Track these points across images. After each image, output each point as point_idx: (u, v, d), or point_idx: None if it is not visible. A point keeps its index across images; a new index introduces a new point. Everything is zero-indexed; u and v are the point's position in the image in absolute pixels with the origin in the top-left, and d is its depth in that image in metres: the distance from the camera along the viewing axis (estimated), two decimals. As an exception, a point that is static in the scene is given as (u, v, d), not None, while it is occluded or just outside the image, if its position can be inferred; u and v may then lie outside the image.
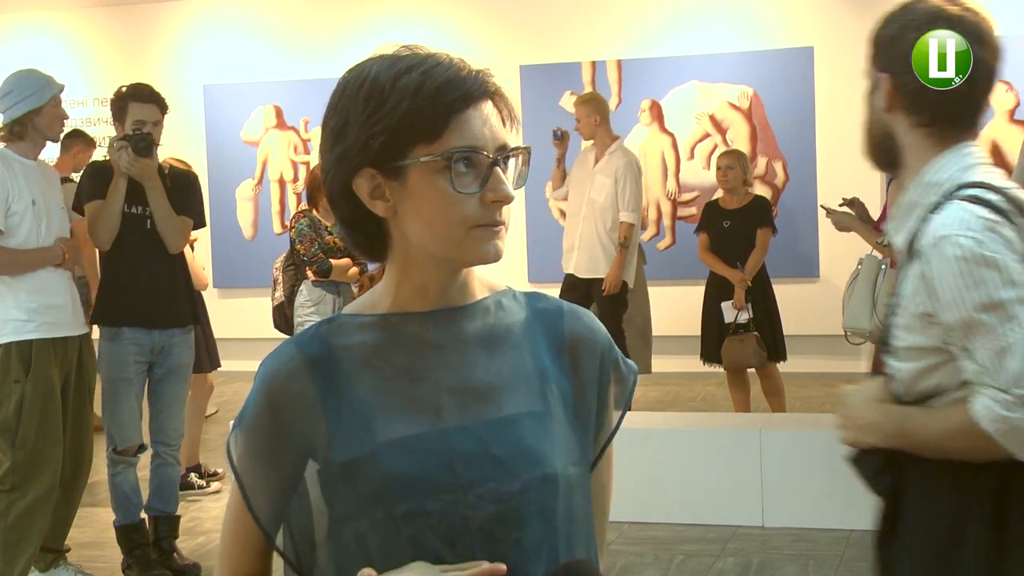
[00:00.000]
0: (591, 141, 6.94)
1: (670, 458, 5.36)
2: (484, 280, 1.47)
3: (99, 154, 7.26)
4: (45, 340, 4.42)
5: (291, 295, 6.01)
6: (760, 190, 7.96)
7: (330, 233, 5.85)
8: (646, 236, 8.69)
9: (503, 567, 1.29)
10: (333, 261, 5.85)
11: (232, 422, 1.45)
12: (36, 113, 4.45)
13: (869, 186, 7.11)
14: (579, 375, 1.45)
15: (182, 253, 4.86)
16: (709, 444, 5.40)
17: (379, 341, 1.40)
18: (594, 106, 6.92)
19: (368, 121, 1.34)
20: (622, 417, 1.50)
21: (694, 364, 7.16)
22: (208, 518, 5.70)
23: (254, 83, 9.86)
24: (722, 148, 8.40)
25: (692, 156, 9.03)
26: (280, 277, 6.10)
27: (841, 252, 7.65)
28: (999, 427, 1.79)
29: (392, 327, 1.40)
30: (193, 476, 6.11)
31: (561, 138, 7.09)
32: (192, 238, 5.24)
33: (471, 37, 9.06)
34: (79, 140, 7.08)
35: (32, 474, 4.37)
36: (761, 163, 8.80)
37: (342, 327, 1.41)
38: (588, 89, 8.79)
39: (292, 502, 1.36)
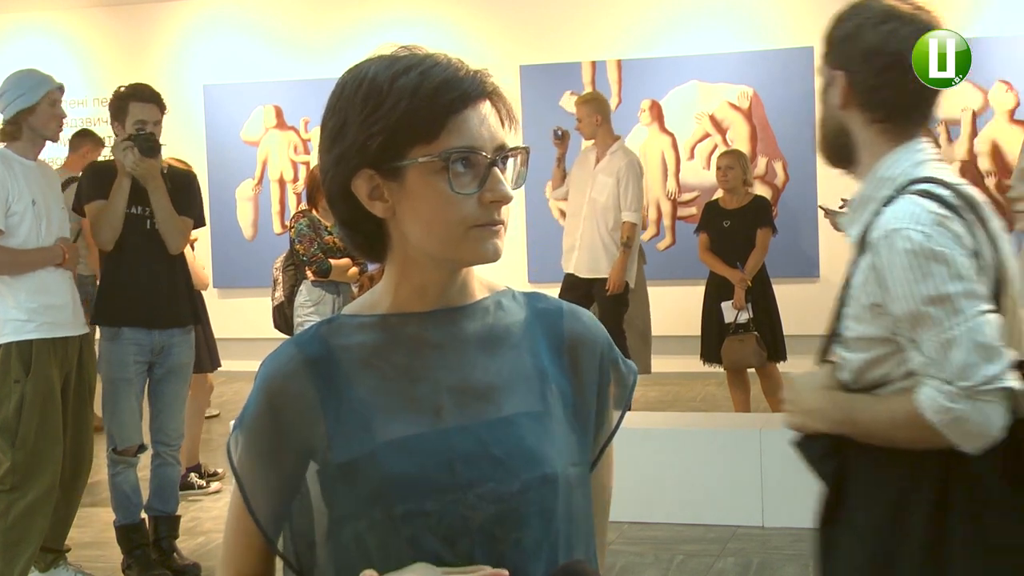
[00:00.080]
0: (591, 141, 6.94)
1: (670, 458, 5.36)
2: (484, 280, 1.47)
3: (107, 154, 7.25)
4: (45, 340, 4.42)
5: (291, 295, 6.01)
6: (760, 190, 7.96)
7: (330, 233, 5.85)
8: (646, 236, 8.68)
9: (505, 573, 1.29)
10: (333, 261, 5.85)
11: (232, 423, 1.45)
12: (30, 112, 4.45)
13: (869, 186, 7.10)
14: (579, 375, 1.45)
15: (182, 253, 4.86)
16: (709, 444, 5.40)
17: (378, 341, 1.40)
18: (595, 106, 6.92)
19: (366, 122, 1.34)
20: (622, 417, 1.50)
21: (694, 364, 7.16)
22: (208, 518, 5.70)
23: (254, 83, 9.86)
24: (722, 148, 8.40)
25: (692, 156, 9.03)
26: (280, 277, 6.11)
27: (841, 252, 7.58)
28: (943, 418, 1.84)
29: (391, 327, 1.40)
30: (193, 476, 6.11)
31: (561, 137, 7.09)
32: (192, 238, 5.24)
33: (471, 37, 9.06)
34: (88, 140, 7.06)
35: (32, 474, 4.37)
36: (761, 163, 8.81)
37: (341, 327, 1.41)
38: (588, 89, 8.79)
39: (294, 503, 1.36)
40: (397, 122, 1.32)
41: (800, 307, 7.94)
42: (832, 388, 2.03)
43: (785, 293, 7.34)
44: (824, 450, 2.04)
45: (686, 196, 9.04)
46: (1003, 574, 1.91)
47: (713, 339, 6.80)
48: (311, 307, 5.89)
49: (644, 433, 5.36)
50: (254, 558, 1.42)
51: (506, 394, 1.39)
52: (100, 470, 5.37)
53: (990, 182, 8.27)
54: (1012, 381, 1.85)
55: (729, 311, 6.66)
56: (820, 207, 5.94)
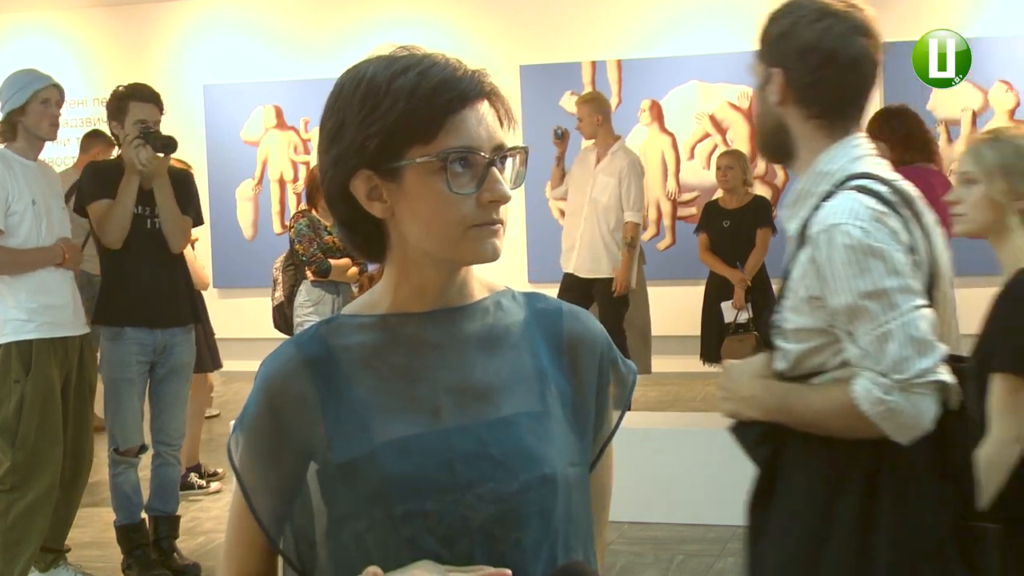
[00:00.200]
0: (592, 140, 6.94)
1: (670, 458, 5.36)
2: (483, 280, 1.47)
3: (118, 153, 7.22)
4: (45, 340, 4.42)
5: (291, 295, 6.01)
6: (760, 190, 7.96)
7: (329, 233, 5.85)
8: (646, 236, 8.67)
9: (508, 572, 1.29)
10: (332, 261, 5.85)
11: (232, 423, 1.45)
12: (21, 112, 4.45)
13: (869, 186, 7.10)
14: (578, 375, 1.45)
15: (181, 252, 4.86)
16: (709, 444, 5.38)
17: (378, 342, 1.40)
18: (596, 105, 6.92)
19: (364, 122, 1.34)
20: (621, 417, 1.50)
21: (694, 364, 7.16)
22: (208, 518, 5.70)
23: (254, 83, 9.86)
24: (722, 148, 8.40)
25: (692, 156, 9.03)
26: (280, 277, 6.11)
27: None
28: (877, 409, 1.90)
29: (391, 328, 1.40)
30: (193, 476, 6.11)
31: (561, 137, 7.09)
32: (193, 238, 5.24)
33: (471, 37, 9.06)
34: (99, 141, 7.03)
35: (32, 474, 4.37)
36: (761, 163, 8.80)
37: (341, 328, 1.41)
38: (588, 89, 8.78)
39: (295, 502, 1.36)
40: (395, 122, 1.32)
41: (800, 307, 7.92)
42: (767, 377, 2.08)
43: (785, 293, 7.33)
44: (758, 436, 2.11)
45: (686, 196, 9.04)
46: (924, 557, 1.97)
47: (713, 339, 6.80)
48: (311, 307, 5.89)
49: (644, 433, 5.36)
50: (256, 557, 1.42)
51: (505, 394, 1.39)
52: (100, 470, 5.37)
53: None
54: (944, 375, 1.91)
55: (729, 311, 6.67)
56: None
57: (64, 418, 4.49)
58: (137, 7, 10.08)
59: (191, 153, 8.00)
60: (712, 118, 8.94)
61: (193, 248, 5.86)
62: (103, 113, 4.86)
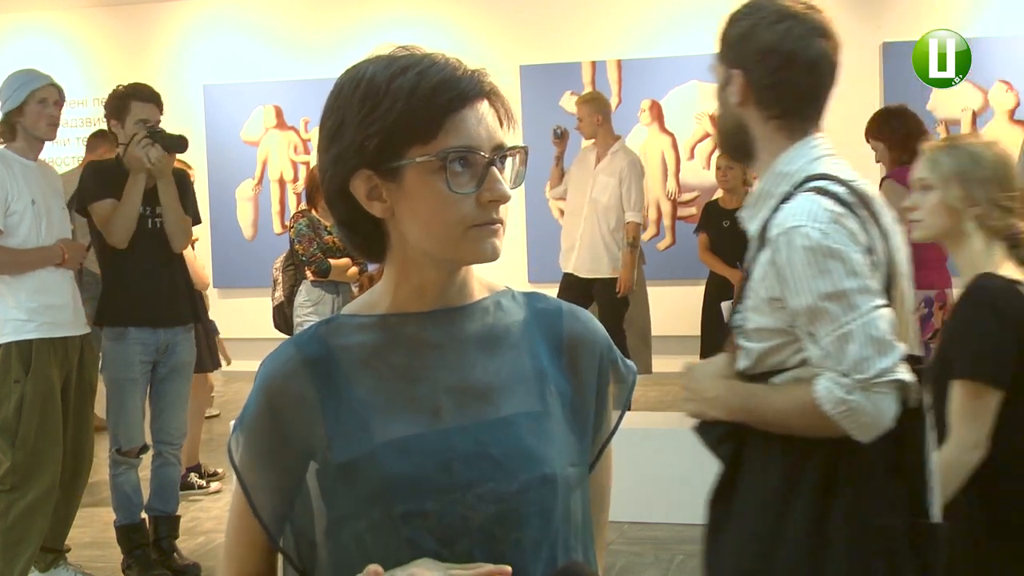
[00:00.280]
0: (592, 140, 6.94)
1: (670, 458, 5.36)
2: (483, 280, 1.47)
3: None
4: (45, 340, 4.42)
5: (291, 295, 6.02)
6: (760, 190, 7.95)
7: (329, 233, 5.85)
8: (646, 236, 8.67)
9: (508, 569, 1.29)
10: (332, 261, 5.85)
11: (233, 423, 1.45)
12: (18, 113, 4.46)
13: (869, 186, 7.11)
14: (578, 375, 1.45)
15: (181, 251, 4.86)
16: (709, 444, 5.40)
17: (378, 342, 1.40)
18: (596, 105, 6.92)
19: (364, 122, 1.33)
20: (621, 417, 1.50)
21: (694, 364, 7.15)
22: (208, 518, 5.70)
23: (254, 83, 9.86)
24: (722, 148, 8.39)
25: (692, 156, 9.04)
26: (280, 277, 6.11)
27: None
28: (839, 409, 1.92)
29: (391, 327, 1.40)
30: (193, 476, 6.11)
31: (561, 136, 7.09)
32: (193, 238, 5.24)
33: (471, 37, 9.06)
34: (105, 140, 7.00)
35: (32, 474, 4.37)
36: (761, 163, 8.80)
37: (341, 327, 1.41)
38: (588, 89, 8.78)
39: (296, 502, 1.36)
40: (394, 122, 1.32)
41: (800, 307, 7.93)
42: (729, 377, 2.11)
43: (785, 293, 7.33)
44: (721, 434, 2.15)
45: (686, 196, 9.04)
46: (877, 553, 1.98)
47: (713, 339, 6.79)
48: (311, 307, 5.89)
49: (644, 433, 5.36)
50: (256, 556, 1.42)
51: (505, 394, 1.39)
52: (100, 470, 5.37)
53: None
54: (903, 373, 1.93)
55: (729, 311, 6.65)
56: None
57: (64, 418, 4.49)
58: (137, 7, 10.08)
59: (191, 153, 7.95)
60: (712, 118, 8.90)
61: (193, 248, 5.86)
62: (103, 113, 4.86)
